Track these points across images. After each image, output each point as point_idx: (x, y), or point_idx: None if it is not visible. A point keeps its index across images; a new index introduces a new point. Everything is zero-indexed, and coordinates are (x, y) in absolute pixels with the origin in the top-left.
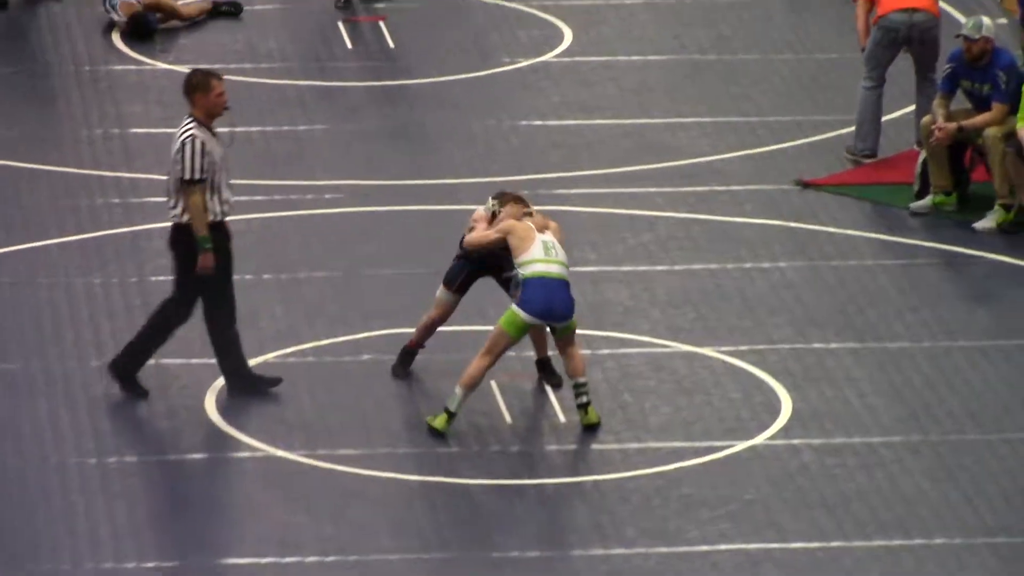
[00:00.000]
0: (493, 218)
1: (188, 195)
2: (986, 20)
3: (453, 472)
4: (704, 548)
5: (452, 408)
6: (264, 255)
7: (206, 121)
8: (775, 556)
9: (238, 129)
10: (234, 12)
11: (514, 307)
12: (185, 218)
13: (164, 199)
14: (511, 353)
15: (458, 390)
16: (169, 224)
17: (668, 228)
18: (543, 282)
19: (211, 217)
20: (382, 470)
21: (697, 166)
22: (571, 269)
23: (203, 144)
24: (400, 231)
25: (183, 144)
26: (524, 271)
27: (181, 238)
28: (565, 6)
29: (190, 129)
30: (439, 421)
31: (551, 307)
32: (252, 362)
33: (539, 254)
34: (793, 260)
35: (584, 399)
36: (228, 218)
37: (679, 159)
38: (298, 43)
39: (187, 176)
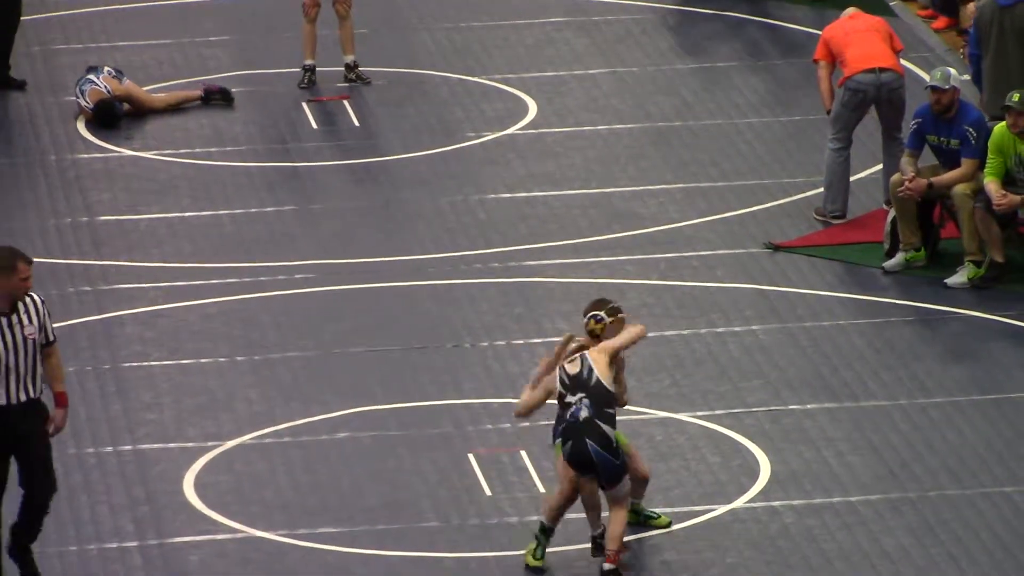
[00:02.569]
0: (597, 334)
1: None
2: (952, 71)
3: (434, 547)
4: None
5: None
6: (237, 337)
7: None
8: None
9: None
10: (226, 100)
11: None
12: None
13: (134, 284)
14: (487, 425)
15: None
16: None
17: (640, 296)
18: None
19: None
20: (363, 547)
21: (666, 233)
22: (546, 340)
23: None
24: (371, 308)
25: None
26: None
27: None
28: (528, 79)
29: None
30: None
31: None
32: (228, 444)
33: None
34: (766, 323)
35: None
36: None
37: (648, 227)
38: (264, 125)
39: (52, 337)
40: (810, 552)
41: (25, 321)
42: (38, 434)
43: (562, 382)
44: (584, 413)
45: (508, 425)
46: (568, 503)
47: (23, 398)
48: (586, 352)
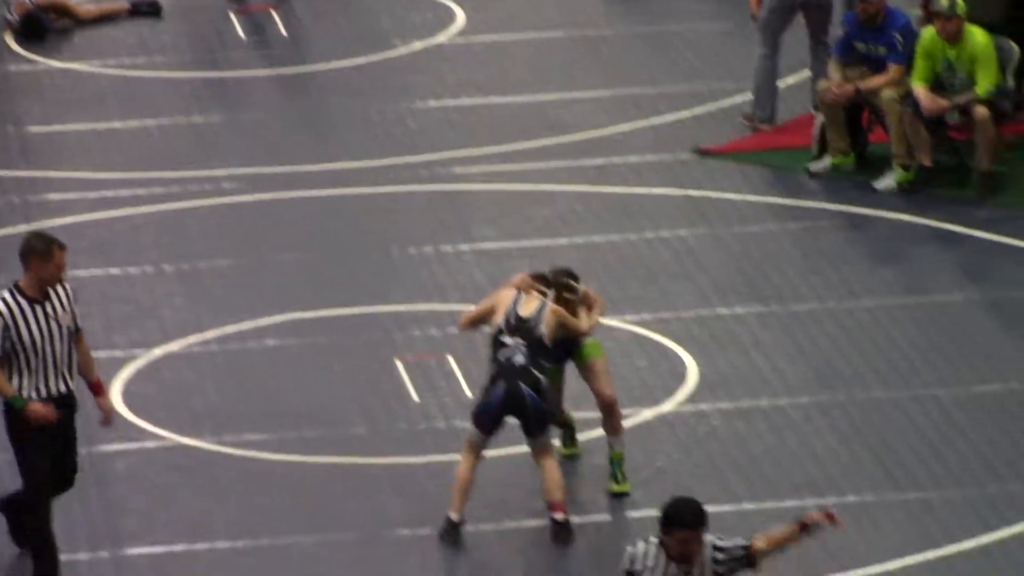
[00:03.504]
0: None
1: None
2: None
3: (362, 453)
4: (617, 516)
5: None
6: (164, 246)
7: (32, 291)
8: None
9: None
10: (154, 12)
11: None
12: None
13: (63, 195)
14: (415, 331)
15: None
16: None
17: (568, 202)
18: None
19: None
20: (290, 454)
21: (595, 139)
22: (474, 247)
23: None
24: (300, 217)
25: None
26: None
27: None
28: None
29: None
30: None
31: None
32: (156, 353)
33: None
34: (695, 228)
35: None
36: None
37: (577, 133)
38: (191, 36)
39: None
40: (738, 455)
41: (59, 309)
42: (72, 428)
43: (507, 318)
44: (520, 359)
45: (435, 331)
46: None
47: (63, 390)
48: (547, 303)
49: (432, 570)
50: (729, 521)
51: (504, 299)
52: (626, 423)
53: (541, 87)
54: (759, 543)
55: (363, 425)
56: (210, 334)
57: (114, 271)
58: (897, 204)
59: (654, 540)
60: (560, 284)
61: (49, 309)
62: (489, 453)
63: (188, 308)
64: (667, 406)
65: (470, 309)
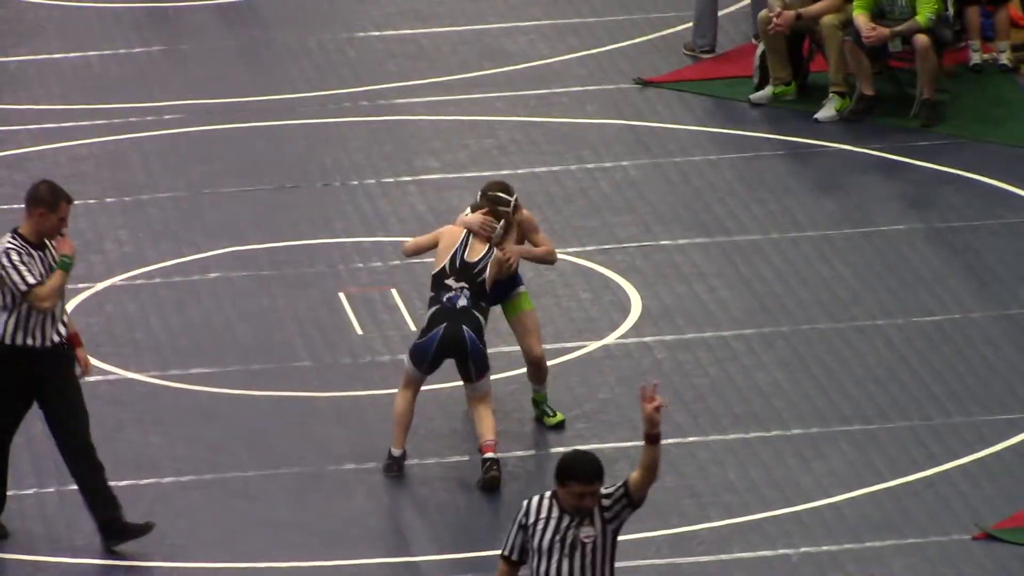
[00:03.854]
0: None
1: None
2: None
3: (306, 386)
4: (560, 449)
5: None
6: (106, 178)
7: (33, 238)
8: (631, 454)
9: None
10: None
11: (524, 288)
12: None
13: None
14: (358, 264)
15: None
16: None
17: (509, 132)
18: None
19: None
20: (235, 388)
21: (536, 69)
22: (416, 178)
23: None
24: (241, 149)
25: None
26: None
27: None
28: None
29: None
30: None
31: None
32: (99, 286)
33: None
34: (636, 158)
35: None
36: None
37: (518, 63)
38: None
39: (23, 288)
40: (683, 387)
41: (54, 257)
42: (65, 379)
43: (452, 261)
44: (463, 302)
45: (379, 264)
46: None
47: (56, 339)
48: (494, 250)
49: (377, 504)
50: (673, 454)
51: (451, 238)
52: (570, 356)
53: (481, 16)
54: (633, 475)
55: (307, 359)
56: (153, 267)
57: None
58: (839, 134)
59: (548, 493)
60: (490, 197)
61: (48, 257)
62: (434, 386)
63: (131, 241)
64: (610, 338)
65: (412, 239)
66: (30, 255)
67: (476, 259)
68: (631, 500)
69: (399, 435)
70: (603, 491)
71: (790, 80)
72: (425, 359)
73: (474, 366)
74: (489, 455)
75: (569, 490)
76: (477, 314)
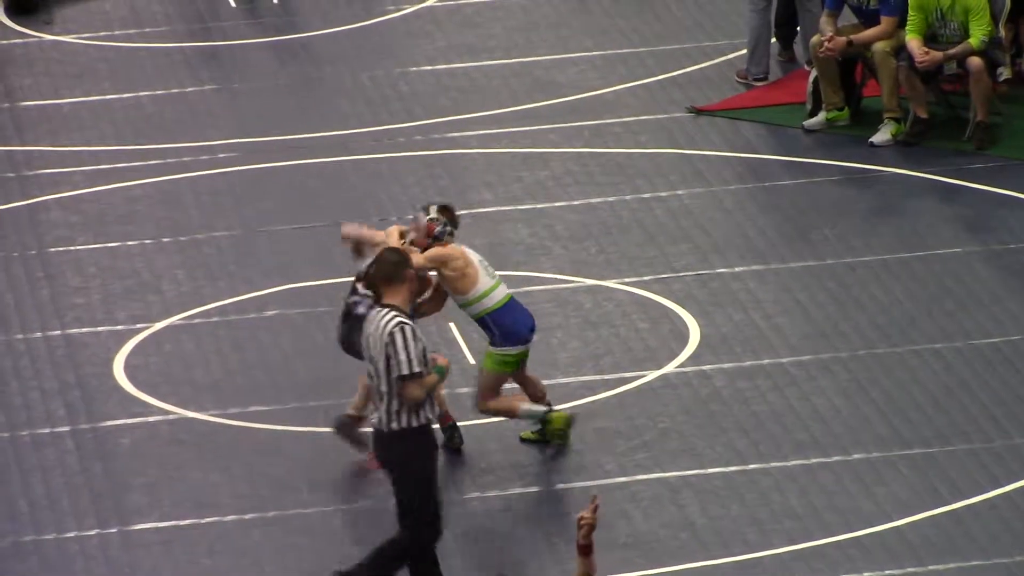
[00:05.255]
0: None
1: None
2: None
3: (365, 420)
4: (622, 479)
5: (541, 413)
6: (161, 218)
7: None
8: (693, 483)
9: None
10: None
11: (497, 349)
12: (404, 422)
13: (58, 169)
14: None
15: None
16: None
17: (564, 164)
18: (511, 306)
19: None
20: (294, 424)
21: (588, 100)
22: (471, 211)
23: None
24: (295, 185)
25: (392, 334)
26: (484, 306)
27: (398, 445)
28: None
29: (396, 317)
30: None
31: (530, 325)
32: (157, 326)
33: (488, 280)
34: (691, 187)
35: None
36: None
37: (570, 95)
38: (182, 5)
39: (405, 371)
40: (742, 415)
41: None
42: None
43: (369, 268)
44: (362, 310)
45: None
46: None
47: None
48: None
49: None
50: (735, 482)
51: (384, 244)
52: (630, 385)
53: (532, 49)
54: None
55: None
56: (210, 306)
57: (112, 244)
58: (893, 158)
59: None
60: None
61: None
62: (490, 420)
63: (188, 280)
64: (669, 367)
65: (356, 226)
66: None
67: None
68: None
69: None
70: None
71: (843, 105)
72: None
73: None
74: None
75: None
76: None
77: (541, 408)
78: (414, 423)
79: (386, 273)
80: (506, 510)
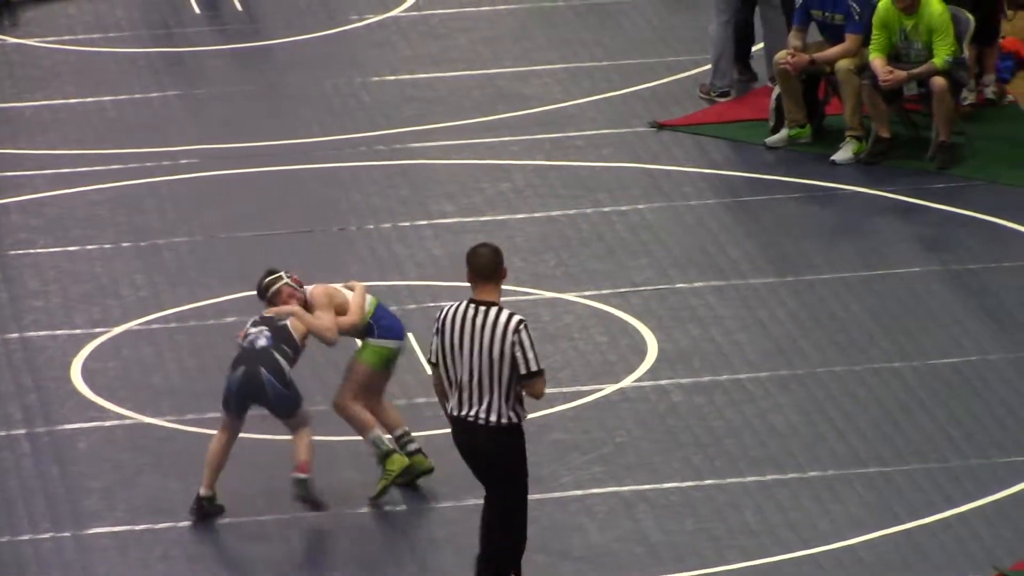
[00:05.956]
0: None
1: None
2: None
3: (322, 430)
4: (578, 492)
5: (387, 448)
6: (122, 223)
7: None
8: (649, 497)
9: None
10: None
11: (376, 341)
12: (516, 417)
13: (19, 172)
14: None
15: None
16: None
17: (525, 176)
18: (381, 306)
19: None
20: (251, 432)
21: (551, 113)
22: (431, 222)
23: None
24: (257, 193)
25: (519, 332)
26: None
27: (507, 439)
28: None
29: (514, 315)
30: (395, 464)
31: (402, 325)
32: (115, 331)
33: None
34: (652, 202)
35: (414, 445)
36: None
37: (533, 107)
38: (146, 10)
39: (535, 368)
40: (699, 430)
41: None
42: None
43: (255, 321)
44: (262, 342)
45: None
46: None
47: None
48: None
49: (396, 547)
50: (691, 496)
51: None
52: (587, 399)
53: (496, 61)
54: None
55: (324, 402)
56: (169, 311)
57: (72, 248)
58: (855, 177)
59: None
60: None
61: None
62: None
63: (147, 285)
64: (627, 381)
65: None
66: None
67: (272, 316)
68: None
69: (209, 476)
70: None
71: (805, 122)
72: (230, 402)
73: (278, 408)
74: (299, 475)
75: None
76: (277, 355)
77: (387, 444)
78: (523, 418)
79: (489, 267)
80: (463, 521)
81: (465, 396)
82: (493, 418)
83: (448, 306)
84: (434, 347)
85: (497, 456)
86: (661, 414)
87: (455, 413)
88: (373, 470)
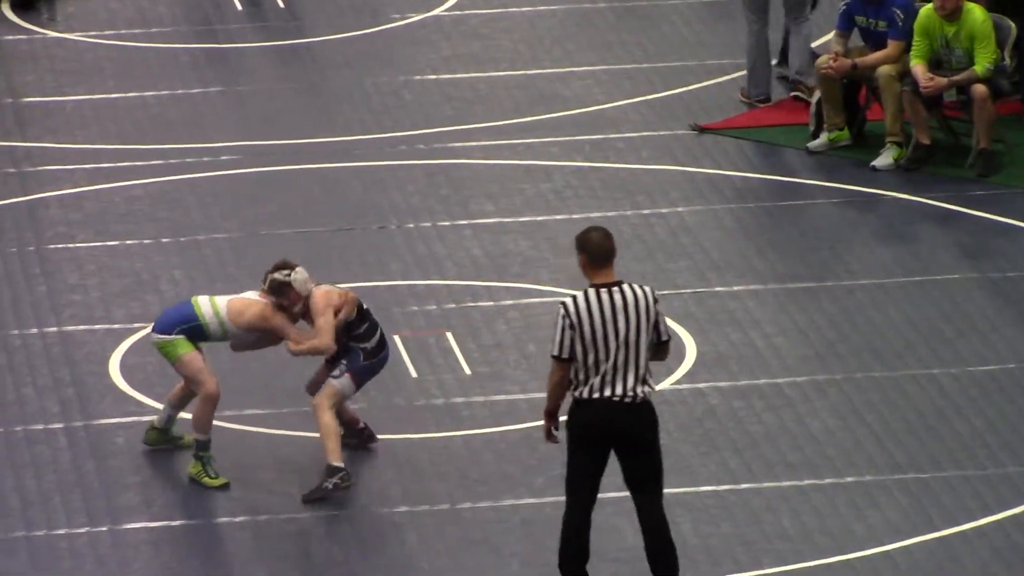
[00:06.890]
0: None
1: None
2: None
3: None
4: (614, 495)
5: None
6: (162, 218)
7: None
8: (685, 500)
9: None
10: None
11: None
12: (652, 388)
13: (60, 166)
14: (413, 307)
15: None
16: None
17: (565, 177)
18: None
19: None
20: (289, 429)
21: (591, 114)
22: (471, 222)
23: None
24: (297, 191)
25: (658, 301)
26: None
27: (648, 411)
28: None
29: (647, 286)
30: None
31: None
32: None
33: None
34: (692, 204)
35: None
36: None
37: (573, 108)
38: (188, 6)
39: (667, 336)
40: (736, 434)
41: None
42: None
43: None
44: None
45: (434, 307)
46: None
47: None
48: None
49: (429, 547)
50: (727, 501)
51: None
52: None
53: (536, 61)
54: None
55: (362, 401)
56: None
57: (112, 243)
58: (894, 183)
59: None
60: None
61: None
62: (485, 431)
63: (186, 281)
64: (664, 384)
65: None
66: None
67: None
68: None
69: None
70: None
71: (844, 125)
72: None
73: None
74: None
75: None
76: None
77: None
78: (655, 388)
79: (607, 249)
80: (499, 521)
81: (608, 377)
82: (641, 390)
83: (571, 301)
84: (566, 342)
85: (641, 431)
86: (698, 417)
87: (594, 396)
88: (411, 469)
